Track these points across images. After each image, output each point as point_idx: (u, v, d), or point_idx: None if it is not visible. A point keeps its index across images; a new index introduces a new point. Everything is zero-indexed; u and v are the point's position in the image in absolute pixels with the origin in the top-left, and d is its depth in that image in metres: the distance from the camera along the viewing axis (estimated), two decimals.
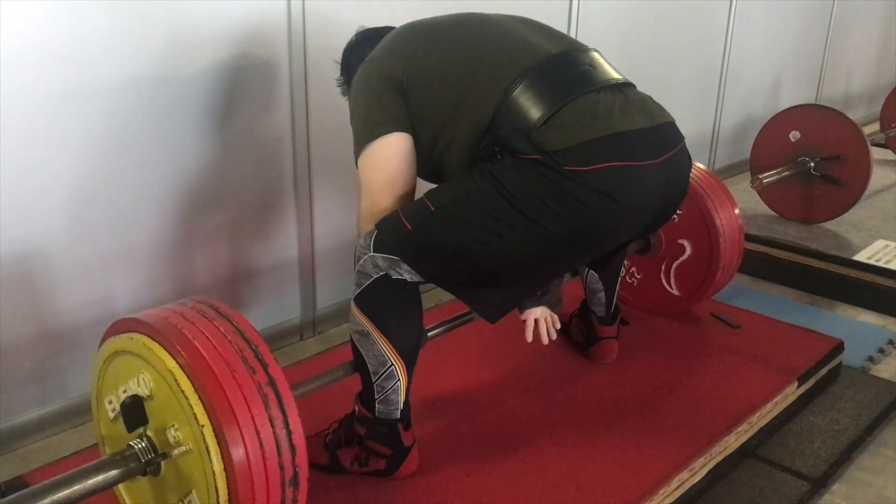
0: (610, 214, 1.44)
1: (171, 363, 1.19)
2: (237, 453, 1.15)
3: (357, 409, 1.62)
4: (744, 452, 1.81)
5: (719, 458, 1.75)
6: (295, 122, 2.15)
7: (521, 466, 1.68)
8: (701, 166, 2.23)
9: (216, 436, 1.15)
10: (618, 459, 1.70)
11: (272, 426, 1.18)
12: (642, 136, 1.47)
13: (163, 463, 1.26)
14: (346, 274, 2.35)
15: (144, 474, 1.27)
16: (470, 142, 1.48)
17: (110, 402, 1.34)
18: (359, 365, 1.58)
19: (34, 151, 1.69)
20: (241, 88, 2.02)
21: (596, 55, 1.57)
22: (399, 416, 1.60)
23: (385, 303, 1.53)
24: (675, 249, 2.26)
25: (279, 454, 1.19)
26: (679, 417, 1.86)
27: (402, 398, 1.59)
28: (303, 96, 2.14)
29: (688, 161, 1.62)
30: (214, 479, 1.16)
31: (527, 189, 1.40)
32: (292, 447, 1.20)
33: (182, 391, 1.17)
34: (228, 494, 1.16)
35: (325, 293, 2.38)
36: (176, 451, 1.22)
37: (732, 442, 1.80)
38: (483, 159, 1.46)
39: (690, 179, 1.81)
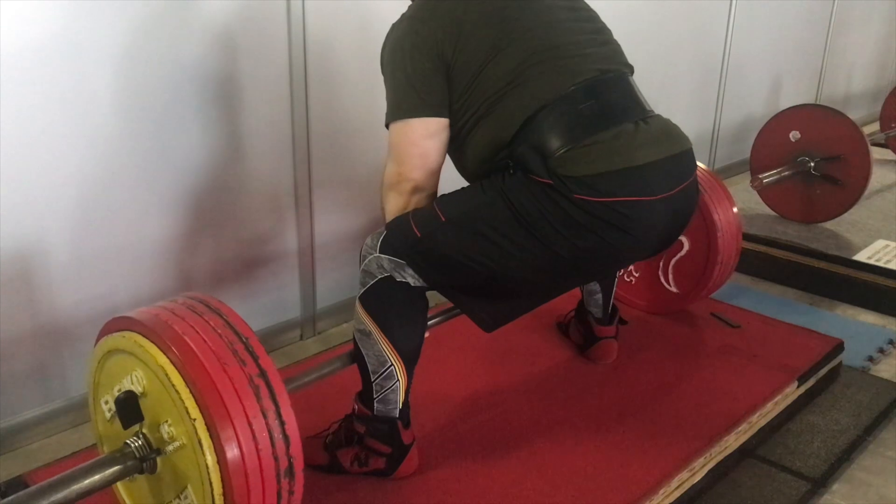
0: (617, 244, 1.45)
1: (162, 359, 1.19)
2: (230, 446, 1.14)
3: (356, 407, 1.62)
4: (744, 452, 1.79)
5: (719, 458, 1.74)
6: (295, 120, 2.15)
7: (521, 466, 1.67)
8: (699, 164, 2.21)
9: (208, 429, 1.15)
10: (618, 459, 1.69)
11: (264, 417, 1.17)
12: (658, 169, 1.47)
13: (158, 459, 1.26)
14: (346, 272, 2.36)
15: (141, 472, 1.26)
16: (488, 151, 1.50)
17: (106, 402, 1.34)
18: (359, 363, 1.58)
19: (36, 149, 1.69)
20: (241, 86, 2.02)
21: (628, 80, 1.57)
22: (398, 415, 1.60)
23: (388, 304, 1.54)
24: (673, 246, 2.25)
25: (272, 445, 1.18)
26: (679, 417, 1.85)
27: (400, 398, 1.59)
28: (303, 93, 2.14)
29: (696, 191, 1.64)
30: (208, 473, 1.15)
31: (537, 211, 1.42)
32: (286, 438, 1.19)
33: (173, 386, 1.16)
34: (223, 488, 1.16)
35: (324, 292, 2.37)
36: (170, 447, 1.22)
37: (732, 442, 1.79)
38: (497, 170, 1.48)
39: None
